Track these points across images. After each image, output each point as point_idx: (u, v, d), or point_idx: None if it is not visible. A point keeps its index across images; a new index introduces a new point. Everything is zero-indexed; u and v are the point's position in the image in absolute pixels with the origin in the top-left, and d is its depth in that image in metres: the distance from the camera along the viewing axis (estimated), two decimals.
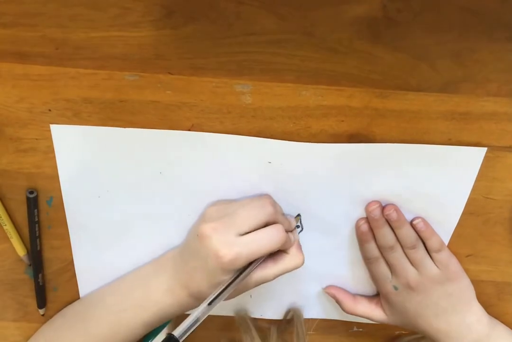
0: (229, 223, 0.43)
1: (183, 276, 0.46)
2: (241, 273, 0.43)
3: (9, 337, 0.58)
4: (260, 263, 0.44)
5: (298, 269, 0.51)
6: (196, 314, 0.40)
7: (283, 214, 0.48)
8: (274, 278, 0.45)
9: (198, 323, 0.40)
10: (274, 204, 0.45)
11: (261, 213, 0.44)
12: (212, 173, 0.47)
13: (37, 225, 0.49)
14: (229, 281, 0.42)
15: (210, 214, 0.46)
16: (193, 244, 0.45)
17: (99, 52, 0.41)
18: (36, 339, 0.55)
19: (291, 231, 0.48)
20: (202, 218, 0.47)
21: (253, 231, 0.43)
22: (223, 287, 0.42)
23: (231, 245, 0.42)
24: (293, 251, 0.47)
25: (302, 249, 0.48)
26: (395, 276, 0.50)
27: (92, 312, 0.52)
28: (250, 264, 0.43)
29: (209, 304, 0.41)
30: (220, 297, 0.41)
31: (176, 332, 0.38)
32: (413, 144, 0.45)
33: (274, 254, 0.46)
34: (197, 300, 0.45)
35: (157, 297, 0.47)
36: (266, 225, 0.44)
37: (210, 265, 0.42)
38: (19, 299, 0.56)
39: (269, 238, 0.43)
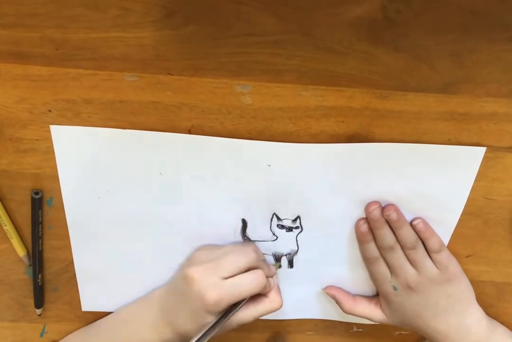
0: (214, 267, 0.46)
1: (168, 314, 0.49)
2: (224, 314, 0.46)
3: (8, 337, 0.58)
4: (242, 305, 0.47)
5: (300, 270, 0.53)
6: None
7: (265, 261, 0.52)
8: (252, 320, 0.48)
9: None
10: (257, 250, 0.49)
11: (244, 259, 0.47)
12: (212, 175, 0.47)
13: (40, 226, 0.49)
14: (214, 321, 0.45)
15: (197, 257, 0.49)
16: (179, 285, 0.48)
17: (99, 53, 0.41)
18: None
19: (271, 276, 0.50)
20: (189, 261, 0.50)
21: (236, 275, 0.46)
22: (208, 327, 0.45)
23: (215, 288, 0.45)
24: (272, 295, 0.49)
25: (303, 249, 0.49)
26: (395, 276, 0.50)
27: None
28: (233, 306, 0.46)
29: None
30: (205, 337, 0.45)
31: None
32: (412, 144, 0.45)
33: (254, 297, 0.48)
34: (182, 338, 0.48)
35: (144, 334, 0.50)
36: (248, 270, 0.47)
37: (195, 306, 0.45)
38: (18, 299, 0.56)
39: (250, 282, 0.46)
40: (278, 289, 0.51)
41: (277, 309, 0.49)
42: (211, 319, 0.45)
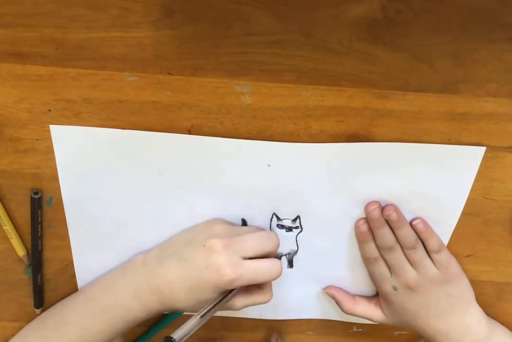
0: (238, 245, 0.44)
1: (156, 280, 0.46)
2: (227, 294, 0.44)
3: (8, 337, 0.58)
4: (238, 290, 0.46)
5: (300, 270, 0.53)
6: (191, 323, 0.41)
7: None
8: (241, 308, 0.47)
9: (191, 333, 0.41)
10: (279, 240, 0.47)
11: (270, 244, 0.46)
12: (211, 175, 0.47)
13: (39, 226, 0.49)
14: (217, 299, 0.44)
15: (219, 230, 0.47)
16: (188, 252, 0.45)
17: (99, 53, 0.41)
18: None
19: None
20: (211, 233, 0.46)
21: (256, 258, 0.45)
22: (213, 304, 0.43)
23: (236, 266, 0.43)
24: (266, 288, 0.49)
25: (303, 249, 0.50)
26: (395, 276, 0.50)
27: (63, 316, 0.52)
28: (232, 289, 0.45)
29: (201, 316, 0.42)
30: (208, 314, 0.43)
31: (176, 336, 0.39)
32: (412, 144, 0.45)
33: (248, 286, 0.46)
34: (166, 307, 0.46)
35: (126, 302, 0.47)
36: (266, 256, 0.46)
37: (205, 278, 0.43)
38: (18, 299, 0.56)
39: (269, 270, 0.45)
40: (271, 284, 0.50)
41: (267, 302, 0.48)
42: (212, 297, 0.44)
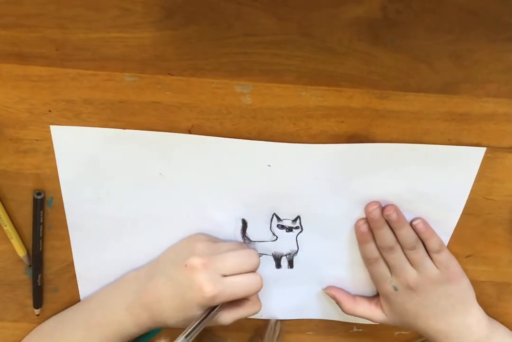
0: (219, 263, 0.45)
1: (147, 297, 0.48)
2: (211, 311, 0.45)
3: (8, 337, 0.58)
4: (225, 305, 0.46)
5: (300, 270, 0.53)
6: None
7: None
8: (230, 322, 0.47)
9: None
10: (258, 258, 0.48)
11: (249, 262, 0.46)
12: (212, 176, 0.47)
13: (41, 226, 0.49)
14: (203, 315, 0.45)
15: (200, 248, 0.48)
16: (172, 271, 0.47)
17: (99, 53, 0.41)
18: None
19: None
20: (192, 251, 0.48)
21: (236, 274, 0.45)
22: (198, 321, 0.44)
23: (216, 283, 0.44)
24: (254, 299, 0.49)
25: (303, 249, 0.50)
26: (395, 276, 0.50)
27: (62, 331, 0.53)
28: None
29: (186, 336, 0.43)
30: (195, 331, 0.44)
31: None
32: (412, 144, 0.45)
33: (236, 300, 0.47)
34: (156, 323, 0.48)
35: (118, 318, 0.49)
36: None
37: (189, 297, 0.45)
38: (19, 299, 0.56)
39: (249, 285, 0.46)
40: (258, 294, 0.50)
41: (255, 313, 0.49)
42: (198, 313, 0.45)
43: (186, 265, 0.45)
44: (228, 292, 0.44)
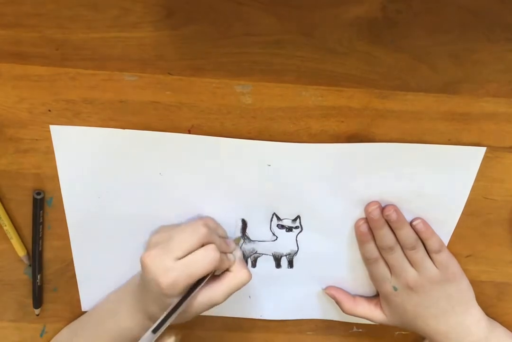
0: (166, 249, 0.44)
1: (141, 300, 0.48)
2: (186, 296, 0.44)
3: (8, 337, 0.59)
4: (206, 284, 0.45)
5: (300, 270, 0.53)
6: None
7: (221, 235, 0.49)
8: (222, 298, 0.46)
9: None
10: (207, 225, 0.46)
11: (194, 236, 0.45)
12: (212, 175, 0.47)
13: (41, 226, 0.50)
14: (172, 306, 0.43)
15: (151, 242, 0.47)
16: (141, 272, 0.46)
17: (99, 53, 0.41)
18: None
19: (230, 252, 0.49)
20: (146, 245, 0.48)
21: (189, 254, 0.44)
22: (165, 314, 0.43)
23: (168, 271, 0.43)
24: (236, 268, 0.47)
25: (303, 249, 0.49)
26: (395, 276, 0.50)
27: (75, 340, 0.54)
28: (195, 286, 0.44)
29: (154, 331, 0.42)
30: (165, 323, 0.43)
31: None
32: (412, 144, 0.45)
33: (220, 275, 0.47)
34: (154, 322, 0.46)
35: (123, 323, 0.50)
36: (202, 246, 0.45)
37: (154, 291, 0.44)
38: (18, 299, 0.56)
39: (202, 259, 0.44)
40: (242, 262, 0.49)
41: (246, 281, 0.47)
42: (173, 301, 0.44)
43: (140, 263, 0.45)
44: (183, 275, 0.43)
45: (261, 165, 0.46)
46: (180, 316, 0.44)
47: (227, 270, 0.47)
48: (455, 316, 0.51)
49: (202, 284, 0.45)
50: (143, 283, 0.46)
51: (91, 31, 0.40)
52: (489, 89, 0.43)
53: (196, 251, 0.44)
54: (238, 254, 0.49)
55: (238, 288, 0.47)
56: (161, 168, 0.47)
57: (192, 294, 0.44)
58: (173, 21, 0.39)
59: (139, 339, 0.46)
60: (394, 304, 0.52)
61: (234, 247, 0.50)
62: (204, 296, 0.45)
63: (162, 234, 0.48)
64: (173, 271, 0.43)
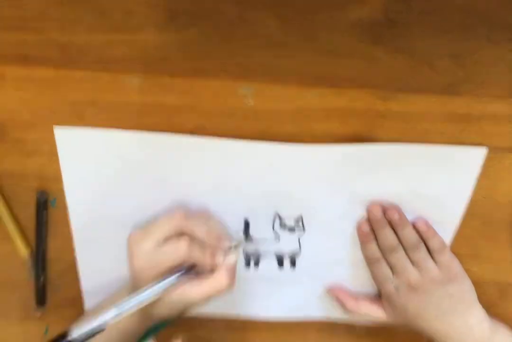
0: (146, 233, 0.45)
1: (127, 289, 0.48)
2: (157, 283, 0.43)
3: (12, 336, 0.59)
4: (186, 282, 0.44)
5: (302, 270, 0.53)
6: (103, 317, 0.41)
7: (217, 230, 0.47)
8: (199, 299, 0.44)
9: (101, 328, 0.41)
10: (185, 214, 0.45)
11: (167, 225, 0.45)
12: (215, 176, 0.47)
13: (44, 227, 0.50)
14: (144, 289, 0.43)
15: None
16: None
17: (102, 55, 0.41)
18: None
19: (220, 248, 0.46)
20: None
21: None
22: (135, 294, 0.43)
23: (143, 256, 0.44)
24: (220, 272, 0.45)
25: (305, 250, 0.49)
26: (397, 276, 0.50)
27: None
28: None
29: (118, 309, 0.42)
30: (130, 304, 0.43)
31: (75, 334, 0.39)
32: (414, 145, 0.45)
33: (203, 275, 0.45)
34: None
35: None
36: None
37: (131, 274, 0.45)
38: (22, 299, 0.56)
39: (170, 252, 0.44)
40: (231, 269, 0.45)
41: (224, 288, 0.44)
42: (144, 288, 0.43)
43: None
44: (153, 263, 0.43)
45: (264, 166, 0.46)
46: (156, 311, 0.44)
47: (213, 271, 0.45)
48: (457, 316, 0.51)
49: (174, 276, 0.44)
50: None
51: (94, 34, 0.40)
52: (490, 90, 0.43)
53: (166, 242, 0.44)
54: (231, 259, 0.46)
55: (217, 293, 0.44)
56: (164, 170, 0.47)
57: (163, 283, 0.43)
58: (177, 23, 0.39)
59: (137, 333, 0.48)
60: (396, 304, 0.52)
61: (227, 245, 0.46)
62: (180, 295, 0.44)
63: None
64: (147, 257, 0.44)
